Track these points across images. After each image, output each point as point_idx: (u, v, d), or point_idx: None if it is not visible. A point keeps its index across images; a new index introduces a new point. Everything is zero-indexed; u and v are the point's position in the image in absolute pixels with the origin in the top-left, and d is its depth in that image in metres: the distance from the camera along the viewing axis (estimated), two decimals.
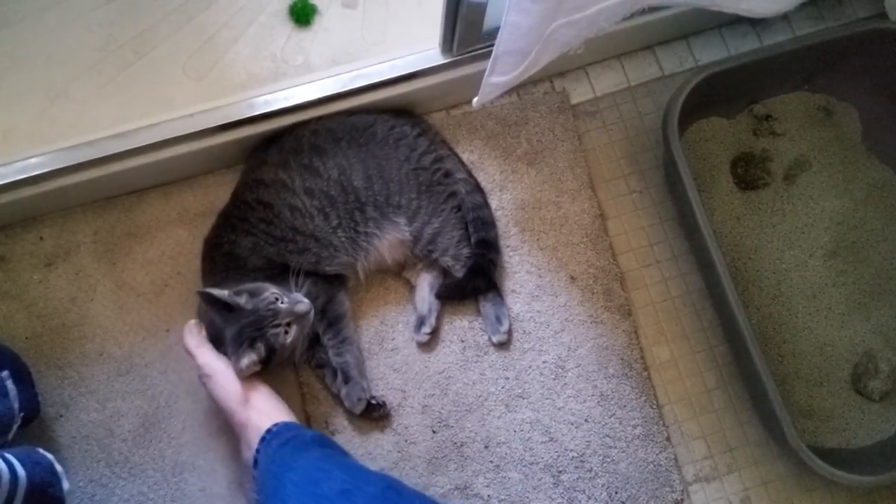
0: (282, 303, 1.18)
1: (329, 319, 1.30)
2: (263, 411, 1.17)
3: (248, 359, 1.16)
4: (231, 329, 1.17)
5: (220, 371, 1.18)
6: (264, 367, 1.19)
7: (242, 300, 1.17)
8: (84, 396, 1.31)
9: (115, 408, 1.31)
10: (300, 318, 1.20)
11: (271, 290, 1.19)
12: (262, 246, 1.26)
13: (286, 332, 1.19)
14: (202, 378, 1.20)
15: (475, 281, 1.34)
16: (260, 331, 1.16)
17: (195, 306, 1.32)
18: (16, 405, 1.13)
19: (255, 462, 1.13)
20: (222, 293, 1.16)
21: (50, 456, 1.09)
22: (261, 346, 1.17)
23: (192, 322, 1.22)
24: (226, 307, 1.17)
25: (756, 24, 1.57)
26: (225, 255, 1.27)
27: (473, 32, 1.28)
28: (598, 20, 1.18)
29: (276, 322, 1.17)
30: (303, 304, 1.20)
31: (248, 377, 1.19)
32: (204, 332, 1.22)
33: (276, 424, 1.14)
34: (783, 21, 1.58)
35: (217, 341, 1.21)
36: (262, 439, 1.13)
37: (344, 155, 1.31)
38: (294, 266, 1.26)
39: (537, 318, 1.39)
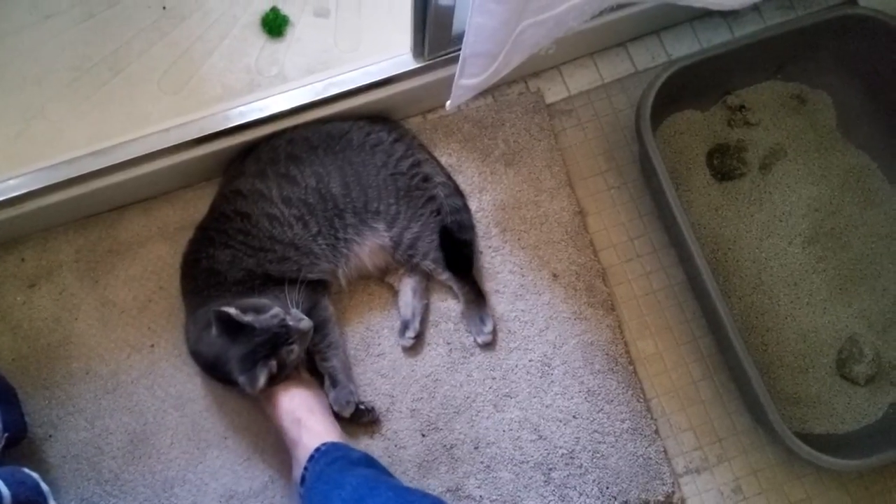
0: (288, 321, 1.19)
1: (314, 325, 1.30)
2: (315, 431, 1.20)
3: (265, 376, 1.17)
4: (240, 348, 1.17)
5: (277, 389, 1.22)
6: (271, 382, 1.20)
7: (249, 318, 1.17)
8: (72, 415, 1.31)
9: (104, 425, 1.31)
10: (304, 335, 1.21)
11: (276, 308, 1.20)
12: (241, 258, 1.26)
13: (294, 350, 1.20)
14: (262, 397, 1.23)
15: (453, 247, 1.35)
16: (273, 349, 1.17)
17: (180, 321, 1.33)
18: (0, 426, 1.13)
19: (303, 479, 1.15)
20: (238, 314, 1.16)
21: (35, 475, 1.09)
22: (273, 364, 1.17)
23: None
24: (236, 326, 1.16)
25: (727, 15, 1.58)
26: (204, 270, 1.28)
27: (443, 36, 1.29)
28: (566, 19, 1.19)
29: (290, 340, 1.18)
30: (305, 321, 1.21)
31: (303, 398, 1.22)
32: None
33: (325, 444, 1.17)
34: (754, 12, 1.59)
35: (217, 360, 1.21)
36: (311, 458, 1.16)
37: (321, 163, 1.31)
38: (277, 276, 1.26)
39: (521, 317, 1.39)
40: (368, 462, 1.19)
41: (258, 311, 1.19)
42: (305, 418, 1.21)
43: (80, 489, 1.28)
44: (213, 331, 1.19)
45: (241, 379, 1.17)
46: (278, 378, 1.21)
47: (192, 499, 1.29)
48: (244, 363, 1.17)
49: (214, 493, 1.29)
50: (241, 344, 1.17)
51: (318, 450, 1.17)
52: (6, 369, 1.30)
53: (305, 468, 1.16)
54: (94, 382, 1.33)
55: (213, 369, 1.24)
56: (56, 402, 1.32)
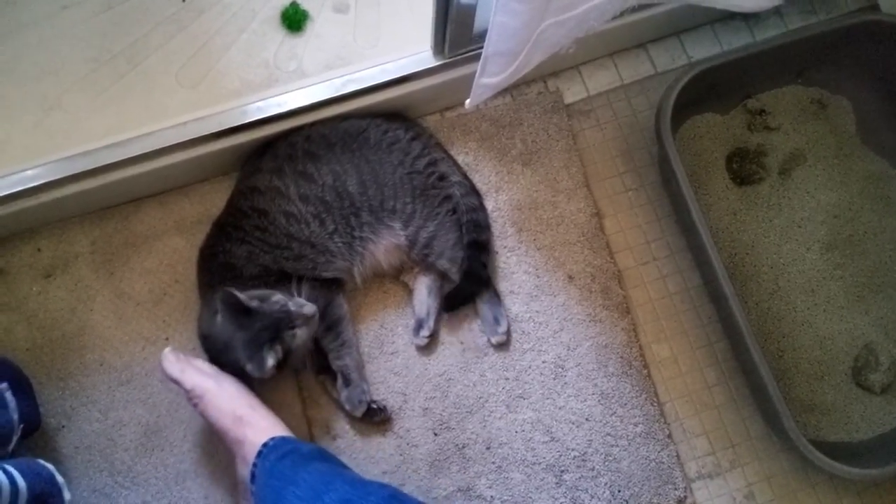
0: (291, 306, 1.19)
1: (328, 323, 1.30)
2: (259, 427, 1.16)
3: (272, 359, 1.17)
4: (245, 333, 1.18)
5: (211, 389, 1.18)
6: (279, 370, 1.20)
7: (255, 304, 1.17)
8: (85, 407, 1.32)
9: (117, 417, 1.31)
10: (308, 319, 1.21)
11: (278, 295, 1.20)
12: (258, 254, 1.26)
13: (300, 335, 1.20)
14: (192, 401, 1.20)
15: (471, 285, 1.34)
16: (276, 333, 1.18)
17: (195, 314, 1.33)
18: (15, 417, 1.13)
19: (253, 477, 1.12)
20: (243, 296, 1.16)
21: (51, 466, 1.09)
22: (279, 348, 1.18)
23: (166, 350, 1.22)
24: (243, 311, 1.17)
25: (748, 18, 1.57)
26: (220, 264, 1.27)
27: (464, 34, 1.28)
28: (587, 19, 1.18)
29: (291, 324, 1.19)
30: (308, 306, 1.21)
31: (240, 394, 1.20)
32: (182, 356, 1.22)
33: (272, 439, 1.14)
34: (775, 15, 1.58)
35: (225, 348, 1.21)
36: (259, 454, 1.13)
37: (338, 160, 1.31)
38: (292, 273, 1.27)
39: (536, 318, 1.39)
40: (321, 455, 1.16)
41: (262, 299, 1.19)
42: (247, 415, 1.17)
43: (92, 480, 1.29)
44: (219, 317, 1.19)
45: (249, 365, 1.17)
46: (285, 366, 1.21)
47: (204, 492, 1.29)
48: (249, 348, 1.17)
49: (226, 487, 1.29)
50: (246, 329, 1.17)
51: (265, 445, 1.13)
52: (21, 359, 1.31)
53: (255, 464, 1.12)
54: (108, 374, 1.33)
55: (221, 355, 1.23)
56: (70, 392, 1.32)
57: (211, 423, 1.20)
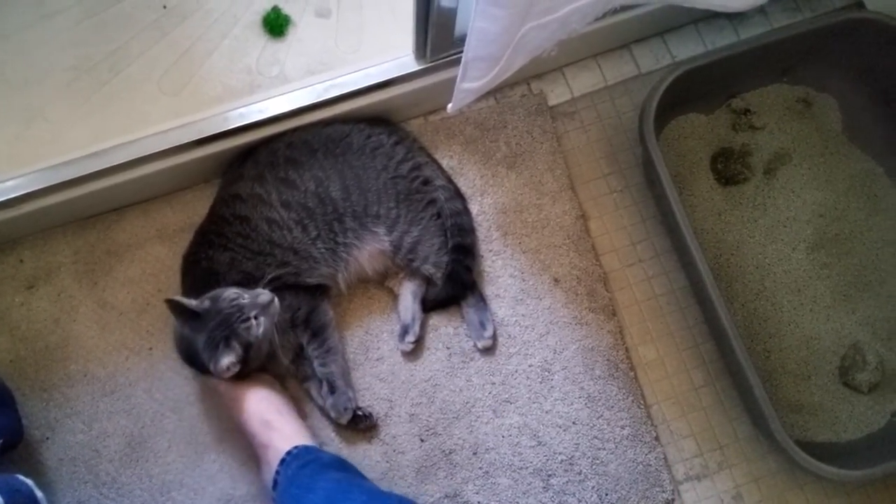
0: (243, 299, 1.18)
1: (313, 330, 1.30)
2: (284, 433, 1.19)
3: (227, 359, 1.16)
4: (202, 336, 1.17)
5: (242, 393, 1.22)
6: (244, 366, 1.19)
7: (206, 305, 1.17)
8: (70, 418, 1.31)
9: (101, 428, 1.31)
10: (265, 307, 1.19)
11: (230, 290, 1.19)
12: (240, 261, 1.26)
13: (256, 325, 1.18)
14: (226, 403, 1.23)
15: (454, 289, 1.34)
16: (230, 328, 1.16)
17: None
18: None
19: (275, 483, 1.14)
20: (188, 301, 1.16)
21: (30, 482, 1.09)
22: (236, 344, 1.16)
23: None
24: (193, 315, 1.17)
25: (733, 18, 1.56)
26: (203, 271, 1.27)
27: (445, 38, 1.27)
28: (569, 22, 1.18)
29: (243, 317, 1.16)
30: (265, 294, 1.19)
31: (270, 399, 1.21)
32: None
33: (296, 447, 1.16)
34: (760, 14, 1.57)
35: (192, 356, 1.21)
36: (282, 461, 1.15)
37: (320, 166, 1.30)
38: (264, 276, 1.26)
39: (522, 321, 1.38)
40: (340, 465, 1.18)
41: (214, 299, 1.18)
42: (275, 420, 1.20)
43: (76, 492, 1.28)
44: (177, 326, 1.19)
45: (211, 366, 1.16)
46: (251, 361, 1.19)
47: (190, 502, 1.28)
48: (208, 349, 1.16)
49: (212, 497, 1.28)
50: (201, 331, 1.17)
51: (289, 453, 1.16)
52: (3, 371, 1.30)
53: (277, 472, 1.15)
54: (91, 385, 1.32)
55: (192, 362, 1.23)
56: (53, 404, 1.31)
57: (240, 425, 1.22)
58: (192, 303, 1.16)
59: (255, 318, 1.18)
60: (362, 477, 1.20)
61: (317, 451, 1.18)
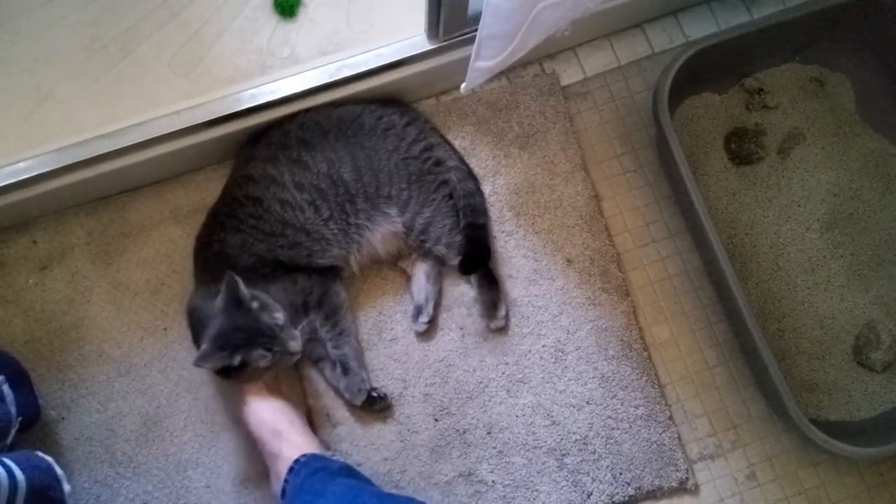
0: (280, 330, 1.16)
1: (326, 312, 1.30)
2: (294, 443, 1.19)
3: (217, 361, 1.14)
4: (221, 322, 1.15)
5: (256, 400, 1.22)
6: (221, 376, 1.18)
7: (255, 305, 1.16)
8: (85, 398, 1.31)
9: (117, 408, 1.31)
10: (288, 354, 1.18)
11: (281, 313, 1.18)
12: (252, 243, 1.25)
13: (267, 359, 1.16)
14: (239, 405, 1.23)
15: (476, 252, 1.33)
16: (246, 342, 1.14)
17: None
18: (13, 410, 1.13)
19: (283, 493, 1.15)
20: (244, 289, 1.14)
21: (49, 459, 1.09)
22: (238, 357, 1.14)
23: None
24: (236, 301, 1.15)
25: None
26: (215, 253, 1.27)
27: (458, 17, 1.27)
28: (583, 1, 1.17)
29: (266, 344, 1.15)
30: (296, 342, 1.19)
31: (283, 410, 1.22)
32: None
33: (304, 455, 1.16)
34: None
35: (200, 323, 1.20)
36: (291, 469, 1.15)
37: (332, 147, 1.30)
38: (287, 262, 1.25)
39: (535, 302, 1.38)
40: (349, 472, 1.19)
41: (264, 306, 1.17)
42: (286, 430, 1.20)
43: (93, 471, 1.29)
44: (219, 298, 1.16)
45: (201, 349, 1.13)
46: (238, 376, 1.18)
47: (206, 481, 1.29)
48: (216, 339, 1.14)
49: (228, 476, 1.29)
50: (227, 319, 1.15)
51: (297, 461, 1.16)
52: (19, 352, 1.30)
53: (286, 480, 1.15)
54: (106, 365, 1.33)
55: (195, 329, 1.22)
56: (69, 384, 1.32)
57: (251, 431, 1.22)
58: (245, 293, 1.14)
59: (273, 352, 1.16)
60: (370, 483, 1.21)
61: (325, 459, 1.18)
